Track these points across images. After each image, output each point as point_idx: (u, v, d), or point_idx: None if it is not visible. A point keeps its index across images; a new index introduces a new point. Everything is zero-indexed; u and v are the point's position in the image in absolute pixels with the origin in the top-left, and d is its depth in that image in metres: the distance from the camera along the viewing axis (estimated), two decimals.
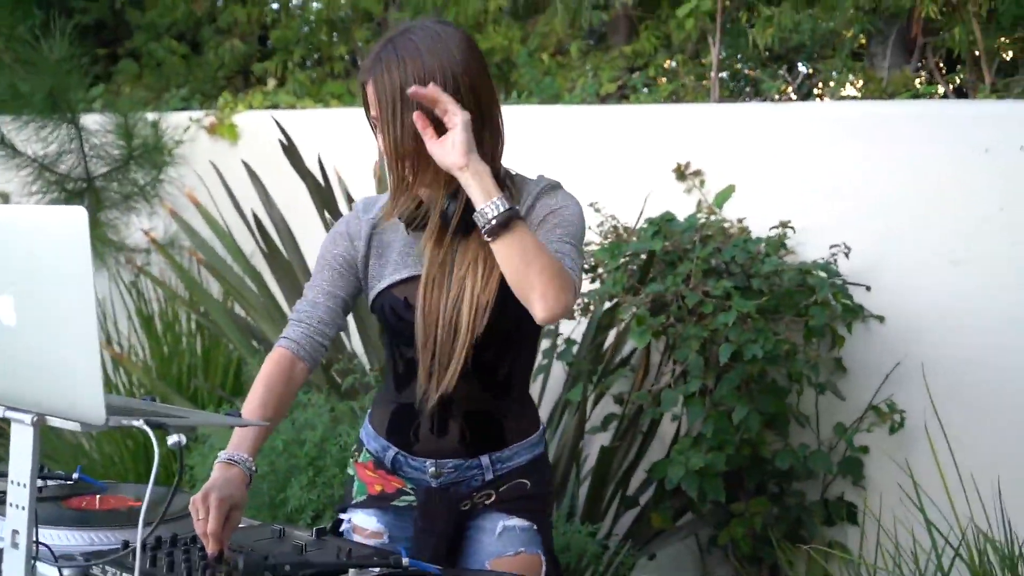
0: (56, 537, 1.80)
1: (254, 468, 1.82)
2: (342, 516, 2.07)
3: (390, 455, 2.02)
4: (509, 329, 1.91)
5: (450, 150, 1.75)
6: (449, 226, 1.88)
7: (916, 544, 2.79)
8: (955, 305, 3.28)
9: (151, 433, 1.34)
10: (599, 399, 3.42)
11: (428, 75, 1.79)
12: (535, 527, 1.98)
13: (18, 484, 1.45)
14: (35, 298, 1.39)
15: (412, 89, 1.76)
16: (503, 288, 1.83)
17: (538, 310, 1.74)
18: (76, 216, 1.32)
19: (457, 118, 1.75)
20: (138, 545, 1.36)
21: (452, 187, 1.84)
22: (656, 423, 3.37)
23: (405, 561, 1.60)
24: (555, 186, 1.97)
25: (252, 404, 1.89)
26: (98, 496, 2.02)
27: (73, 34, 4.15)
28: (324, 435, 2.91)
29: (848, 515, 3.34)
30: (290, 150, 3.39)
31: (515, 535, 1.98)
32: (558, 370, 3.49)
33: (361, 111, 1.95)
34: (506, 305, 1.86)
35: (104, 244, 4.20)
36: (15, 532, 1.46)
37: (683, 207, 3.54)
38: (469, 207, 1.79)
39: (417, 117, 1.77)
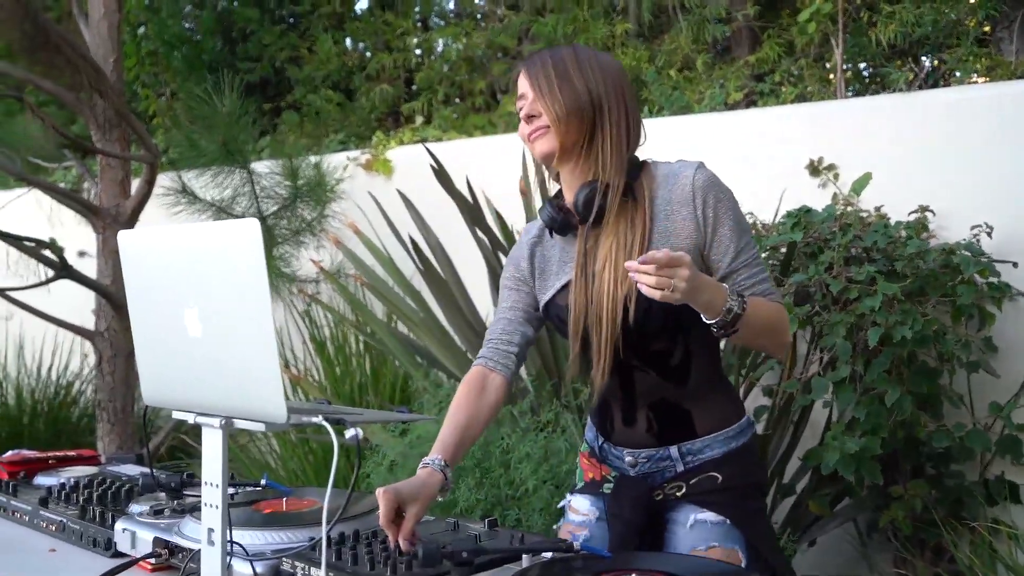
0: (248, 537, 1.80)
1: (443, 463, 1.79)
2: (567, 498, 2.07)
3: (599, 444, 2.00)
4: (668, 318, 1.83)
5: (698, 293, 1.68)
6: (585, 220, 1.86)
7: None
8: None
9: (330, 428, 1.31)
10: (749, 391, 3.29)
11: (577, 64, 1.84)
12: (728, 521, 1.87)
13: (211, 485, 1.45)
14: (217, 309, 1.38)
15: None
16: None
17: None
18: (249, 228, 1.31)
19: (681, 279, 1.64)
20: (323, 537, 1.32)
21: (580, 173, 1.87)
22: (807, 411, 3.22)
23: (576, 545, 1.53)
24: (701, 167, 1.87)
25: (448, 414, 1.89)
26: (284, 499, 2.01)
27: (240, 90, 4.27)
28: (488, 438, 2.87)
29: (1011, 494, 3.11)
30: (441, 174, 3.38)
31: (707, 529, 1.88)
32: None
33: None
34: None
35: (278, 277, 4.29)
36: (211, 531, 1.45)
37: (819, 202, 3.39)
38: (590, 195, 1.84)
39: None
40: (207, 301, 1.39)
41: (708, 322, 1.72)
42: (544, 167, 1.99)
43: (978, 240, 3.03)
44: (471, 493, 2.71)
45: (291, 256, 4.46)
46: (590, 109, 1.84)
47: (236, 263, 1.33)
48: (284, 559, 1.66)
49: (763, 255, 3.07)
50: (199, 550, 1.67)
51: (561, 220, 1.91)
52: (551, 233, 1.96)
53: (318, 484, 3.97)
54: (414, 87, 6.22)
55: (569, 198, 1.92)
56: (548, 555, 1.55)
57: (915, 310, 2.69)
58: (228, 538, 1.51)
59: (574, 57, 1.86)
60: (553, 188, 2.04)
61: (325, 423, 1.31)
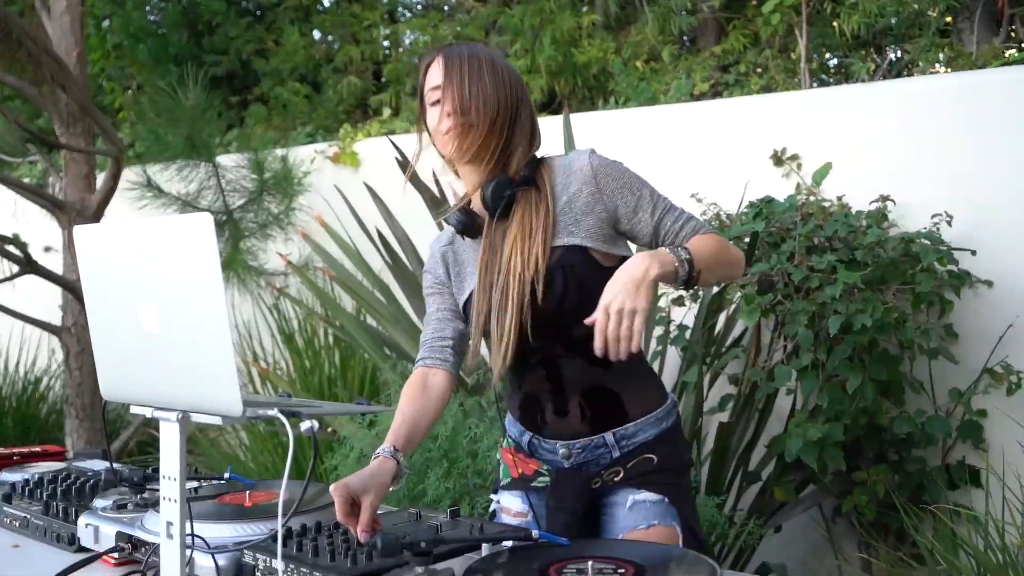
0: (210, 530, 1.80)
1: (394, 450, 1.79)
2: (492, 497, 2.07)
3: (526, 439, 2.00)
4: (585, 303, 1.82)
5: (632, 289, 1.72)
6: (493, 214, 1.89)
7: None
8: None
9: (285, 420, 1.31)
10: (714, 380, 3.32)
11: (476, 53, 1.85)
12: (666, 500, 1.91)
13: (169, 478, 1.45)
14: (172, 304, 1.38)
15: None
16: (560, 263, 1.84)
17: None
18: (201, 222, 1.31)
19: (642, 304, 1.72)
20: (279, 528, 1.33)
21: (487, 173, 1.89)
22: (772, 399, 3.25)
23: (535, 534, 1.54)
24: (593, 152, 1.92)
25: (397, 412, 1.90)
26: (248, 492, 2.02)
27: (206, 83, 4.24)
28: (455, 428, 2.88)
29: (971, 478, 3.16)
30: (406, 167, 3.39)
31: (646, 508, 1.90)
32: (673, 356, 3.40)
33: None
34: (573, 270, 1.84)
35: (245, 270, 4.28)
36: (169, 524, 1.46)
37: (782, 192, 3.42)
38: (498, 187, 1.87)
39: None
40: (162, 296, 1.39)
41: (675, 288, 1.76)
42: (447, 163, 2.01)
43: (938, 229, 3.07)
44: (439, 483, 2.72)
45: (258, 249, 4.45)
46: (509, 111, 1.87)
47: (190, 258, 1.33)
48: (245, 551, 1.66)
49: None
50: (159, 544, 1.67)
51: (468, 222, 1.94)
52: (463, 237, 1.98)
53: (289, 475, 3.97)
54: (382, 79, 6.20)
55: (473, 195, 1.95)
56: (507, 544, 1.56)
57: (875, 298, 2.72)
58: (188, 531, 1.51)
59: (491, 58, 1.88)
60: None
61: (280, 416, 1.31)
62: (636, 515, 1.90)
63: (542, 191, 1.89)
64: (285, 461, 4.06)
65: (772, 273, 2.82)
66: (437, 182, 3.47)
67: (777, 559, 3.39)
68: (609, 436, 1.92)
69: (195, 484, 2.13)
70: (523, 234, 1.87)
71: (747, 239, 3.10)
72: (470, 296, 1.96)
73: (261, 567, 1.60)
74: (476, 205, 1.96)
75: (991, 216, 3.17)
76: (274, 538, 1.69)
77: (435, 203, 3.42)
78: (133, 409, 1.53)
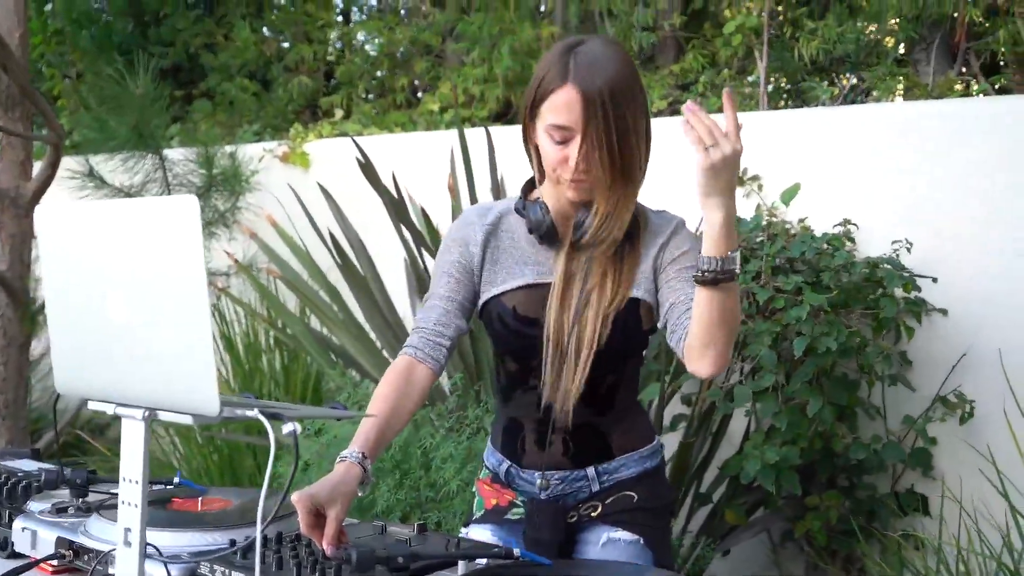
0: (162, 538, 1.69)
1: (362, 456, 1.69)
2: (463, 531, 1.97)
3: (504, 468, 1.92)
4: (618, 345, 1.79)
5: (724, 183, 1.55)
6: (581, 239, 1.78)
7: (996, 527, 2.62)
8: (1019, 298, 3.11)
9: (267, 423, 1.22)
10: (671, 398, 3.28)
11: (625, 82, 1.68)
12: (642, 541, 1.84)
13: (131, 481, 1.34)
14: (146, 292, 1.28)
15: (690, 105, 1.59)
16: (623, 314, 1.77)
17: (709, 365, 1.65)
18: (187, 205, 1.21)
19: (731, 147, 1.56)
20: (258, 538, 1.24)
21: (590, 201, 1.77)
22: (726, 421, 3.22)
23: (516, 552, 1.47)
24: (683, 223, 1.86)
25: (371, 404, 1.78)
26: (200, 499, 1.91)
27: (155, 72, 4.10)
28: (407, 439, 2.79)
29: (921, 506, 3.16)
30: (367, 168, 3.29)
31: (619, 547, 1.84)
32: None
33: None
34: (625, 321, 1.78)
35: None
36: (128, 531, 1.35)
37: (743, 212, 3.40)
38: (604, 222, 1.75)
39: (690, 126, 1.56)
40: (135, 284, 1.29)
41: (715, 254, 1.57)
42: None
43: (898, 255, 3.07)
44: (391, 494, 2.63)
45: (203, 247, 4.30)
46: (640, 151, 1.73)
47: (172, 243, 1.23)
48: (203, 563, 1.56)
49: None
50: (109, 552, 1.56)
51: (549, 227, 1.81)
52: (533, 233, 1.83)
53: (222, 483, 3.82)
54: (333, 80, 6.09)
55: (554, 204, 1.82)
56: (482, 562, 1.48)
57: (839, 321, 2.71)
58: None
59: (630, 87, 1.68)
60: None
61: (261, 417, 1.22)
62: (608, 554, 1.83)
63: (635, 248, 1.80)
64: (219, 467, 3.94)
65: None
66: (396, 185, 3.39)
67: None
68: (591, 470, 1.86)
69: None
70: (613, 271, 1.78)
71: None
72: (500, 295, 1.85)
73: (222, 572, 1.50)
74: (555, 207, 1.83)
75: (948, 244, 3.19)
76: (235, 549, 1.59)
77: (394, 207, 3.33)
78: (91, 405, 1.42)
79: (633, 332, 1.78)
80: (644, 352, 1.91)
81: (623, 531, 1.84)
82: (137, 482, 1.34)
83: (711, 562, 3.12)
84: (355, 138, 4.81)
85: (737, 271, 1.59)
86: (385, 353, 3.60)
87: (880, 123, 3.48)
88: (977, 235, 3.17)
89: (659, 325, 1.80)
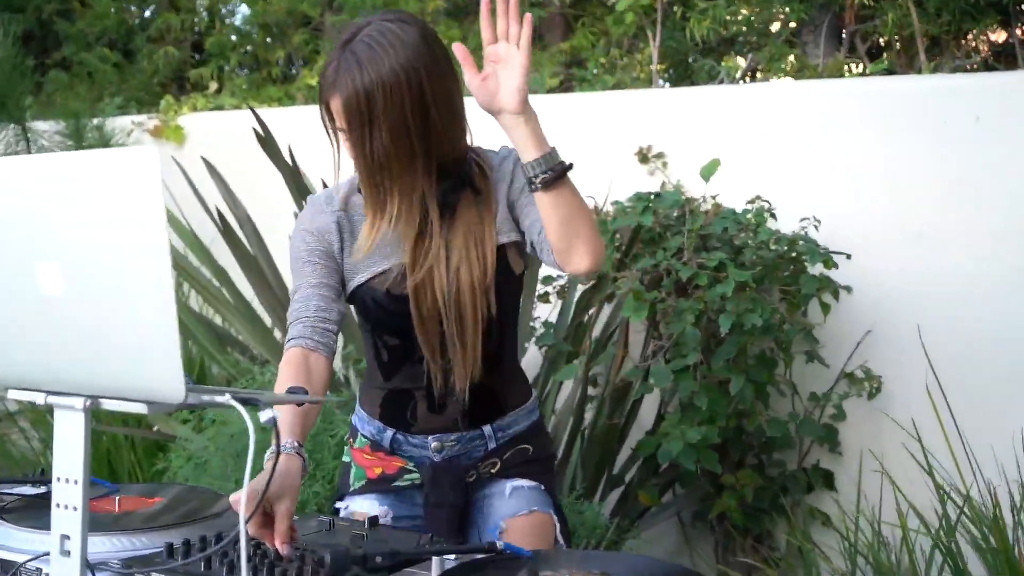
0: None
1: (297, 445, 1.55)
2: (339, 504, 1.89)
3: (388, 436, 1.85)
4: (501, 305, 1.77)
5: (508, 95, 1.61)
6: (442, 215, 1.72)
7: (906, 503, 2.65)
8: (919, 275, 3.17)
9: (243, 410, 1.07)
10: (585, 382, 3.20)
11: (392, 76, 1.61)
12: (542, 487, 1.86)
13: (68, 481, 1.16)
14: (91, 260, 1.10)
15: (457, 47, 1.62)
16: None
17: (582, 258, 1.63)
18: (145, 159, 1.04)
19: (520, 62, 1.59)
20: (243, 540, 1.07)
21: (435, 173, 1.71)
22: (638, 402, 3.17)
23: (499, 545, 1.35)
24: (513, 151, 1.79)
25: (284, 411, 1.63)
26: (117, 498, 1.71)
27: (16, 38, 3.76)
28: (318, 428, 2.62)
29: (826, 481, 3.19)
30: (266, 141, 3.08)
31: (525, 494, 1.84)
32: (533, 353, 3.26)
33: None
34: (502, 279, 1.75)
35: None
36: (65, 538, 1.17)
37: (647, 190, 3.35)
38: (449, 190, 1.73)
39: (459, 48, 1.64)
40: (76, 251, 1.11)
41: (534, 157, 1.60)
42: None
43: (805, 232, 3.08)
44: (305, 487, 2.46)
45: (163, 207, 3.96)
46: (418, 121, 1.65)
47: (125, 203, 1.06)
48: (137, 571, 1.38)
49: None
50: (26, 562, 1.37)
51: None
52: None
53: (103, 475, 3.54)
54: (204, 51, 5.76)
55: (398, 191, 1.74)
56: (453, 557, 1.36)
57: (761, 298, 2.68)
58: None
59: (412, 68, 1.63)
60: None
61: (236, 404, 1.06)
62: (517, 501, 1.82)
63: (483, 192, 1.75)
64: (97, 463, 3.64)
65: (658, 269, 2.73)
66: (292, 156, 3.19)
67: None
68: (487, 428, 1.83)
69: (42, 489, 1.79)
70: (475, 239, 1.72)
71: (619, 234, 3.01)
72: (367, 281, 1.77)
73: None
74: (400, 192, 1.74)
75: (851, 222, 3.22)
76: (170, 551, 1.42)
77: (294, 180, 3.13)
78: (11, 394, 1.23)
79: (509, 283, 1.78)
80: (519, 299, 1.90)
81: (525, 480, 1.85)
82: (77, 482, 1.16)
83: (623, 545, 3.07)
84: (230, 112, 4.57)
85: (565, 164, 1.61)
86: (277, 334, 3.41)
87: (781, 101, 3.48)
88: (880, 213, 3.21)
89: (528, 251, 1.78)
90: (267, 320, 3.40)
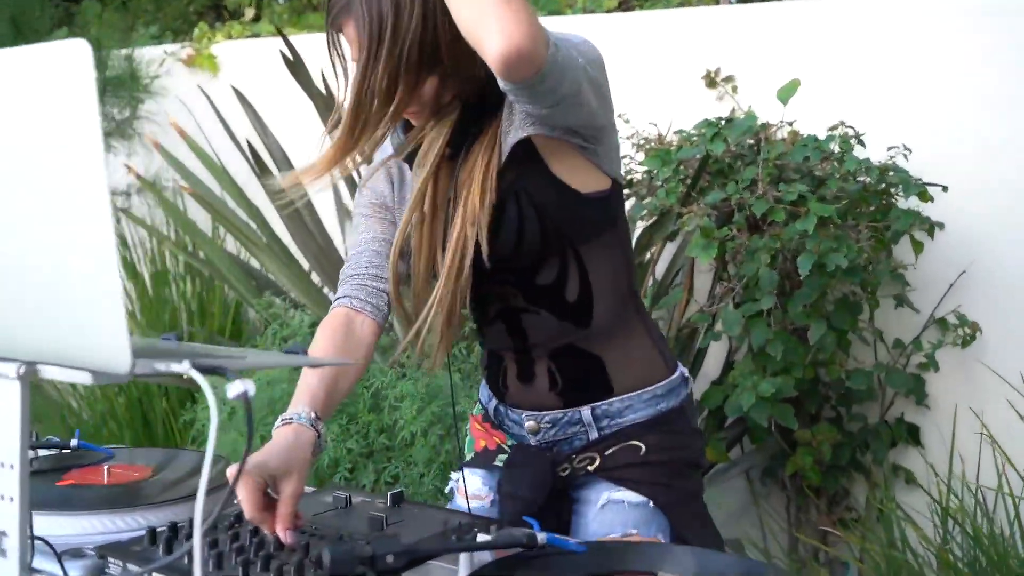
0: (53, 526, 1.30)
1: (314, 417, 1.33)
2: (453, 475, 1.67)
3: (492, 405, 1.60)
4: (548, 235, 1.44)
5: None
6: (456, 156, 1.45)
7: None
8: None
9: (203, 382, 0.83)
10: None
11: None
12: (651, 503, 1.49)
13: (2, 466, 0.94)
14: (11, 187, 0.87)
15: None
16: (514, 188, 1.42)
17: (492, 42, 1.21)
18: (75, 52, 0.80)
19: None
20: (197, 548, 0.84)
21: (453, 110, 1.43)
22: (704, 349, 2.91)
23: (542, 537, 1.11)
24: None
25: (308, 371, 1.41)
26: (106, 467, 1.50)
27: None
28: None
29: (911, 436, 2.90)
30: (295, 65, 2.83)
31: (623, 511, 1.49)
32: None
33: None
34: (522, 208, 1.43)
35: None
36: (2, 535, 0.95)
37: (715, 116, 3.05)
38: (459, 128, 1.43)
39: None
40: None
41: None
42: None
43: (895, 162, 2.76)
44: (337, 444, 2.24)
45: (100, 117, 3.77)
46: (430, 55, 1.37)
47: (52, 113, 0.82)
48: (111, 560, 1.17)
49: (666, 172, 2.70)
50: None
51: (409, 151, 1.48)
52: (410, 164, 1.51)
53: (134, 432, 3.39)
54: None
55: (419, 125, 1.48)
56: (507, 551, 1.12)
57: (846, 236, 2.38)
58: (29, 536, 1.00)
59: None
60: None
61: (195, 374, 0.83)
62: (610, 517, 1.49)
63: (496, 128, 1.45)
64: (127, 411, 3.49)
65: (729, 203, 2.45)
66: (326, 83, 2.94)
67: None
68: (586, 411, 1.51)
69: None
70: (482, 174, 1.43)
71: (682, 165, 2.72)
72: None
73: None
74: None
75: (947, 150, 2.89)
76: (152, 538, 1.21)
77: (327, 109, 2.89)
78: None
79: (550, 208, 1.43)
80: (615, 231, 1.52)
81: (627, 490, 1.49)
82: (13, 467, 0.94)
83: None
84: (268, 39, 4.32)
85: None
86: (314, 277, 3.20)
87: (868, 14, 3.13)
88: (981, 140, 2.87)
89: None
90: (304, 263, 3.19)
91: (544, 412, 1.52)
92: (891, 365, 2.82)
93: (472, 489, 1.58)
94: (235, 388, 0.83)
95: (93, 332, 0.85)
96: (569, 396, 1.51)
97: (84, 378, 0.88)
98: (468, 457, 1.64)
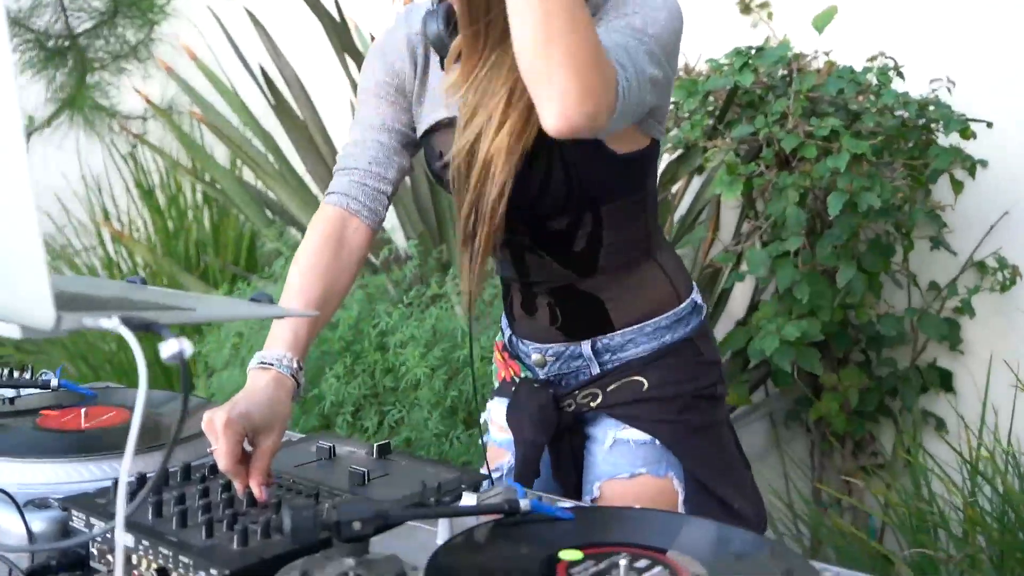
0: (24, 473, 1.24)
1: (296, 367, 1.25)
2: (488, 404, 1.60)
3: (508, 334, 1.53)
4: (571, 194, 1.34)
5: None
6: (482, 44, 1.29)
7: None
8: None
9: (131, 339, 0.75)
10: None
11: None
12: (657, 442, 1.41)
13: None
14: None
15: None
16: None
17: (548, 113, 1.06)
18: None
19: None
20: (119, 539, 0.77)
21: None
22: (728, 290, 2.80)
23: (525, 504, 1.03)
24: None
25: (290, 285, 1.33)
26: (83, 410, 1.44)
27: None
28: (360, 315, 2.33)
29: (943, 382, 2.79)
30: None
31: (629, 451, 1.42)
32: None
33: None
34: (551, 161, 1.31)
35: (94, 110, 3.55)
36: None
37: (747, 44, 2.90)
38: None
39: None
40: None
41: None
42: None
43: (936, 96, 2.61)
44: (340, 386, 2.18)
45: (111, 86, 3.70)
46: None
47: None
48: (74, 512, 1.11)
49: (693, 103, 2.57)
50: None
51: (446, 37, 1.32)
52: (442, 63, 1.37)
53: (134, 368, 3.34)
54: None
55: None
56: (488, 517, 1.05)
57: (880, 174, 2.26)
58: None
59: None
60: None
61: (124, 330, 0.75)
62: (616, 458, 1.42)
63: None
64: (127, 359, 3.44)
65: (757, 137, 2.32)
66: (339, 7, 2.83)
67: None
68: (586, 346, 1.43)
69: (10, 393, 1.54)
70: (517, 94, 1.27)
71: (711, 97, 2.59)
72: (427, 132, 1.41)
73: (99, 541, 1.06)
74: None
75: (994, 84, 2.73)
76: (116, 487, 1.14)
77: (336, 33, 2.78)
78: None
79: (594, 157, 1.31)
80: (643, 190, 1.42)
81: (632, 429, 1.42)
82: None
83: None
84: None
85: None
86: None
87: None
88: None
89: None
90: (319, 194, 3.12)
91: (548, 345, 1.45)
92: (924, 309, 2.70)
93: (500, 420, 1.52)
94: (168, 348, 0.75)
95: (15, 286, 0.77)
96: (569, 331, 1.44)
97: (13, 331, 0.81)
98: (495, 386, 1.58)
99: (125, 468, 0.73)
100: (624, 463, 1.41)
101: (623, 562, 0.93)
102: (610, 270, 1.41)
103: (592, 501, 1.42)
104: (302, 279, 1.32)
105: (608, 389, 1.43)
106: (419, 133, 1.44)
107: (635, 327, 1.42)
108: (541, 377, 1.47)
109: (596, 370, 1.44)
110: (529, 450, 1.44)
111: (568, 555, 0.96)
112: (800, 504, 2.87)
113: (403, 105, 1.43)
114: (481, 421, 1.61)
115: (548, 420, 1.43)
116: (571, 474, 1.45)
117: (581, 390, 1.45)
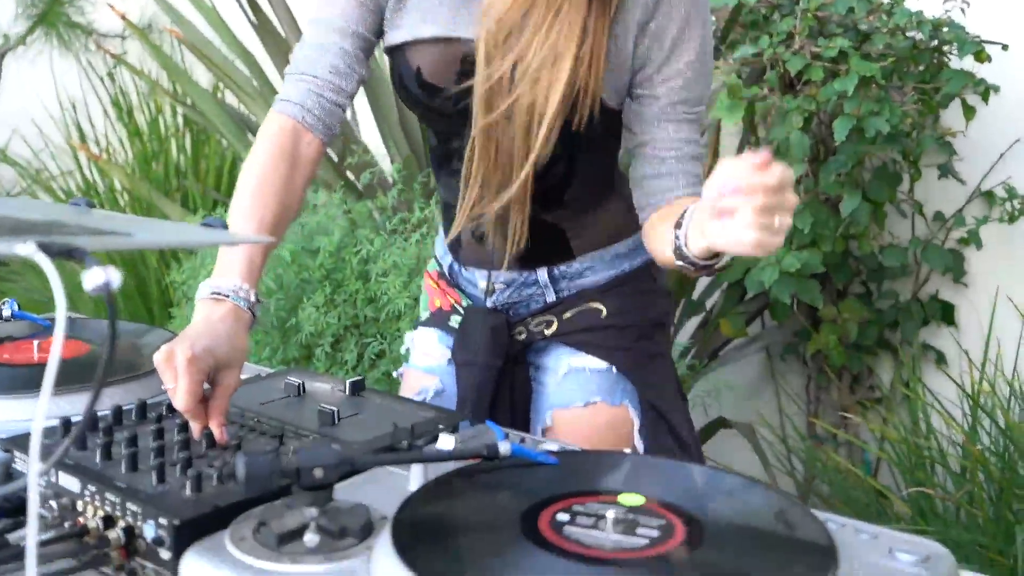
0: None
1: (253, 299, 1.17)
2: (408, 334, 1.54)
3: (447, 262, 1.46)
4: (563, 144, 1.27)
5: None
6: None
7: None
8: None
9: (48, 265, 0.65)
10: None
11: None
12: (614, 369, 1.37)
13: None
14: None
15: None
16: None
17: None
18: None
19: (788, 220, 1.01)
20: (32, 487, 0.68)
21: None
22: None
23: (505, 447, 0.94)
24: None
25: (241, 205, 1.23)
26: (36, 342, 1.35)
27: None
28: (341, 242, 2.24)
29: (945, 315, 2.71)
30: None
31: (585, 378, 1.38)
32: None
33: None
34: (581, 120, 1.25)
35: (69, 27, 3.41)
36: None
37: None
38: None
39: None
40: None
41: (686, 255, 1.14)
42: None
43: (950, 16, 2.48)
44: (319, 315, 2.09)
45: (86, 2, 3.55)
46: None
47: None
48: (17, 456, 1.03)
49: None
50: None
51: None
52: None
53: (129, 303, 3.26)
54: None
55: None
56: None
57: (890, 98, 2.14)
58: None
59: None
60: None
61: (41, 258, 0.65)
62: (572, 387, 1.38)
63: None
64: (126, 268, 3.36)
65: (761, 59, 2.20)
66: None
67: (715, 401, 2.94)
68: (542, 273, 1.38)
69: None
70: (576, 46, 1.19)
71: (713, 16, 2.46)
72: (403, 44, 1.30)
73: (42, 486, 0.97)
74: None
75: (1011, 5, 2.60)
76: (66, 429, 1.06)
77: None
78: None
79: (602, 116, 1.26)
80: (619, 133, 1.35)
81: (588, 355, 1.38)
82: None
83: (701, 379, 2.69)
84: None
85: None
86: None
87: None
88: None
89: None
90: None
91: (498, 272, 1.38)
92: (929, 240, 2.61)
93: (428, 347, 1.46)
94: (93, 278, 0.65)
95: None
96: (526, 259, 1.37)
97: None
98: (424, 316, 1.51)
99: (42, 410, 0.64)
100: (578, 392, 1.37)
101: (611, 514, 0.85)
102: (574, 204, 1.36)
103: (543, 431, 1.38)
104: (253, 200, 1.22)
105: (564, 316, 1.39)
106: (388, 42, 1.32)
107: (595, 253, 1.38)
108: (488, 306, 1.40)
109: (551, 298, 1.39)
110: (483, 375, 1.38)
111: (627, 499, 0.87)
112: (795, 439, 2.81)
113: (372, 7, 1.30)
114: (403, 349, 1.55)
115: (501, 344, 1.39)
116: (513, 407, 1.39)
117: (534, 317, 1.40)
